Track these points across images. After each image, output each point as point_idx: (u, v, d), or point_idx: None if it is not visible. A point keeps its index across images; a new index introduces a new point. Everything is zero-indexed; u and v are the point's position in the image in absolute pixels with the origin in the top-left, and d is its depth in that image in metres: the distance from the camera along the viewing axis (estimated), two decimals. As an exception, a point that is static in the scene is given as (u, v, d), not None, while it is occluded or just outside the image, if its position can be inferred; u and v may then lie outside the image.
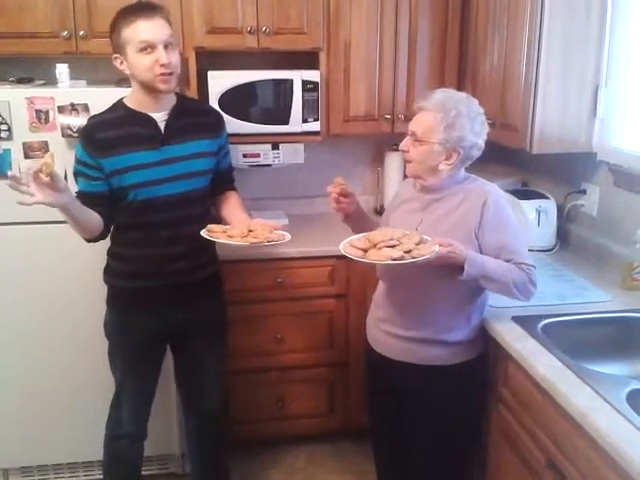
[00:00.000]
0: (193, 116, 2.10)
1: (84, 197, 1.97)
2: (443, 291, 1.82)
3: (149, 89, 1.96)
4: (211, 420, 2.35)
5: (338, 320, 2.79)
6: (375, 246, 1.69)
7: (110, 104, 2.08)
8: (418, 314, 1.87)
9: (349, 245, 1.74)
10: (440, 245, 1.66)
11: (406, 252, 1.64)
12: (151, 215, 1.98)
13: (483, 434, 2.00)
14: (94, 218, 1.96)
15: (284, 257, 2.67)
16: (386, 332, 1.94)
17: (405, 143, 1.85)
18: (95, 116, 2.05)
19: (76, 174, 2.03)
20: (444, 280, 1.77)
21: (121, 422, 2.21)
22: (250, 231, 1.95)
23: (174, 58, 1.94)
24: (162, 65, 1.90)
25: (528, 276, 1.80)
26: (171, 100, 2.05)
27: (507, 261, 1.80)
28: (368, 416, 2.18)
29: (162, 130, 2.01)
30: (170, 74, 1.93)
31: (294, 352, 2.78)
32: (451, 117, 1.75)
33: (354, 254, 1.69)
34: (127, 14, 1.92)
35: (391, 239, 1.68)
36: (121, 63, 1.97)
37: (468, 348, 1.89)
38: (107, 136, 1.97)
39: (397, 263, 1.63)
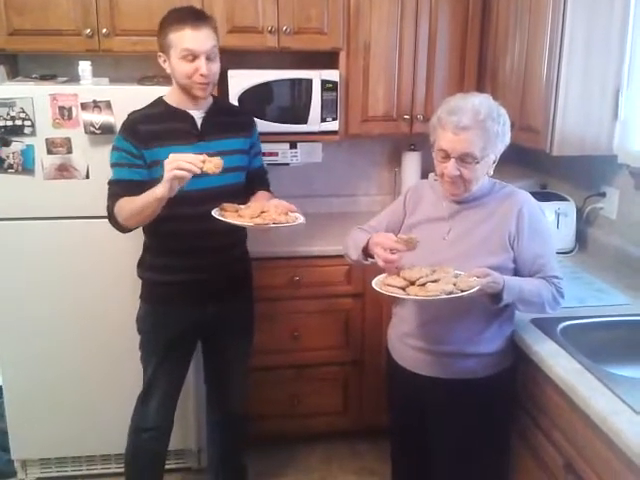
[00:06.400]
0: (228, 115, 2.18)
1: (126, 184, 2.00)
2: (472, 304, 1.75)
3: (186, 92, 2.02)
4: (235, 416, 2.39)
5: (354, 319, 2.79)
6: (413, 283, 1.64)
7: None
8: (447, 327, 1.80)
9: (384, 284, 1.68)
10: (477, 277, 1.63)
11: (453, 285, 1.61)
12: (185, 208, 1.99)
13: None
14: None
15: (301, 255, 2.69)
16: (413, 347, 1.87)
17: (454, 167, 1.72)
18: (136, 111, 2.08)
19: (117, 164, 2.04)
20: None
21: (148, 415, 2.24)
22: (263, 212, 1.94)
23: (214, 68, 2.01)
24: (201, 75, 1.96)
25: (557, 289, 1.78)
26: (208, 100, 2.11)
27: (538, 272, 1.78)
28: (390, 429, 2.13)
29: (199, 127, 2.07)
30: (207, 83, 1.99)
31: (310, 350, 2.79)
32: (501, 125, 1.74)
33: (398, 293, 1.64)
34: (177, 18, 1.97)
35: (427, 275, 1.64)
36: (164, 62, 2.04)
37: (501, 358, 1.84)
38: (149, 129, 2.02)
39: (451, 297, 1.57)
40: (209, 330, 2.25)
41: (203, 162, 1.81)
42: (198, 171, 1.79)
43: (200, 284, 2.13)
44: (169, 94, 2.10)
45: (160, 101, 2.10)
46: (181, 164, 1.78)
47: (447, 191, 1.83)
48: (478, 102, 1.73)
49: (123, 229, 2.05)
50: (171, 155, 1.81)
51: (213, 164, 1.82)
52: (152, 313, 2.20)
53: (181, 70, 1.97)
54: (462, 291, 1.59)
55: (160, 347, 2.19)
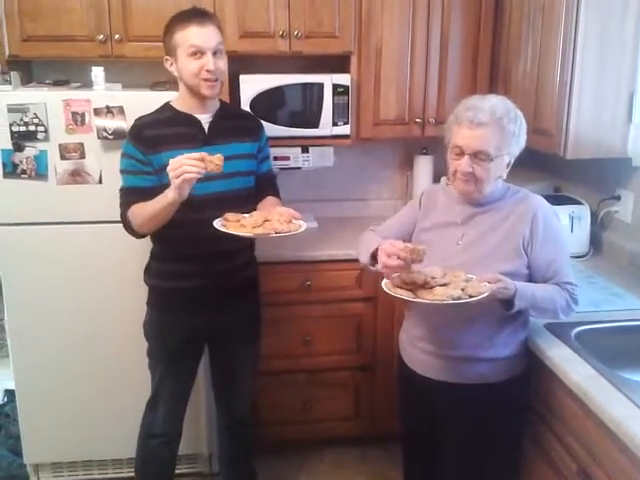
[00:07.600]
0: (235, 120, 2.17)
1: (136, 191, 2.02)
2: (483, 309, 1.71)
3: (195, 93, 2.02)
4: (240, 421, 2.38)
5: (366, 324, 2.78)
6: (422, 286, 1.62)
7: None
8: (457, 332, 1.78)
9: (393, 286, 1.67)
10: (488, 282, 1.61)
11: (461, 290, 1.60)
12: (191, 213, 1.98)
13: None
14: None
15: (313, 260, 2.68)
16: (423, 350, 1.85)
17: (467, 164, 1.71)
18: (144, 116, 2.10)
19: (125, 171, 2.07)
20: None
21: (157, 421, 2.24)
22: (266, 221, 1.92)
23: (221, 65, 2.01)
24: (208, 71, 1.96)
25: (571, 295, 1.77)
26: (215, 104, 2.12)
27: (552, 278, 1.76)
28: (401, 434, 2.12)
29: (206, 131, 2.07)
30: (215, 80, 2.00)
31: (322, 355, 2.78)
32: (518, 126, 1.73)
33: (407, 295, 1.62)
34: (181, 18, 1.99)
35: (434, 278, 1.62)
36: (171, 65, 2.04)
37: (515, 364, 1.82)
38: (155, 134, 2.03)
39: (458, 302, 1.56)
40: (215, 336, 2.24)
41: (202, 160, 1.80)
42: (203, 171, 1.80)
43: (206, 290, 2.12)
44: (176, 99, 2.11)
45: (167, 106, 2.11)
46: (186, 168, 1.78)
47: (459, 190, 1.81)
48: (495, 102, 1.74)
49: (137, 235, 2.09)
50: (171, 160, 1.81)
51: (214, 164, 1.82)
52: (158, 319, 2.20)
53: (188, 68, 1.97)
54: (470, 296, 1.57)
55: (166, 353, 2.19)
